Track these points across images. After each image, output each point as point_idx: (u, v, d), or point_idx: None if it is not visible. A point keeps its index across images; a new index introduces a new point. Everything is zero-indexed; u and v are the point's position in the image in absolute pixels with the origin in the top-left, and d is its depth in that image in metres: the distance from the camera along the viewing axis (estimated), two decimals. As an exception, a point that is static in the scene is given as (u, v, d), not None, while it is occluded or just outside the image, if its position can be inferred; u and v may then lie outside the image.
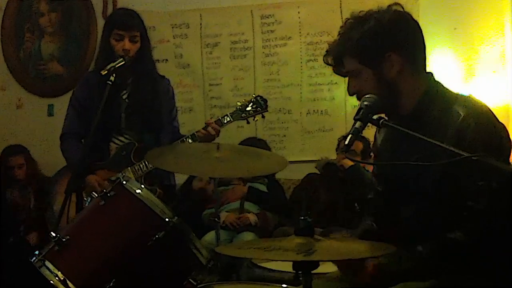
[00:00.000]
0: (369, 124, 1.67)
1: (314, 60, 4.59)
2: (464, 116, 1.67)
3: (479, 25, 4.30)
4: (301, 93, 4.63)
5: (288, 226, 3.78)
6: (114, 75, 2.76)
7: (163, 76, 3.18)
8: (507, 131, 1.73)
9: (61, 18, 5.03)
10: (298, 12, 4.63)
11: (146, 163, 2.94)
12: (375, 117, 1.66)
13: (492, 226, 1.63)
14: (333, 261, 1.82)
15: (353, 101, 4.75)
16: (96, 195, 2.11)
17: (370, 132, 2.18)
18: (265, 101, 3.01)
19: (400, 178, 1.83)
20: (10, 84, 5.08)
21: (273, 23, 4.67)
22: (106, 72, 2.77)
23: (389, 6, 1.82)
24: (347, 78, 1.87)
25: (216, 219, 2.93)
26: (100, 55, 3.07)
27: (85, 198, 2.90)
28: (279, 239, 1.69)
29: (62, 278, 1.92)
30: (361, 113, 1.68)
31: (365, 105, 1.70)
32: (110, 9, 4.80)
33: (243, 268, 3.20)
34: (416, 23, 1.82)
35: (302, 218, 1.62)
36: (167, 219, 1.98)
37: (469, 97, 1.79)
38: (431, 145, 1.55)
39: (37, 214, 4.08)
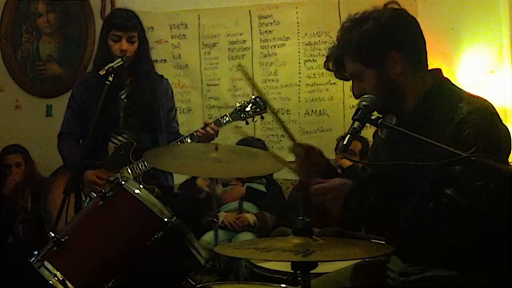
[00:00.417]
0: (367, 124, 1.68)
1: (313, 60, 4.59)
2: (467, 112, 1.67)
3: (477, 25, 4.31)
4: (299, 93, 4.63)
5: (287, 226, 3.78)
6: (112, 75, 2.77)
7: (162, 76, 3.18)
8: (508, 132, 1.73)
9: (59, 19, 5.03)
10: (296, 13, 4.63)
11: (144, 162, 2.94)
12: (373, 117, 1.67)
13: (491, 226, 1.63)
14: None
15: (351, 101, 4.79)
16: (95, 195, 2.11)
17: (368, 132, 2.18)
18: (264, 101, 3.02)
19: (399, 177, 1.83)
20: (8, 85, 5.07)
21: (271, 23, 4.68)
22: (104, 72, 2.77)
23: (385, 5, 1.82)
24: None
25: (214, 219, 2.94)
26: (98, 56, 3.07)
27: (83, 199, 2.90)
28: (278, 239, 1.69)
29: (61, 278, 1.92)
30: (359, 113, 1.68)
31: (364, 105, 1.70)
32: (108, 10, 4.79)
33: (241, 268, 3.20)
34: (414, 19, 1.82)
35: (301, 218, 1.63)
36: (165, 219, 1.99)
37: (475, 95, 1.78)
38: (430, 145, 1.55)
39: (35, 214, 4.07)
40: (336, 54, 1.85)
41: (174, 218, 2.00)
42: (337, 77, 1.92)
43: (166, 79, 3.19)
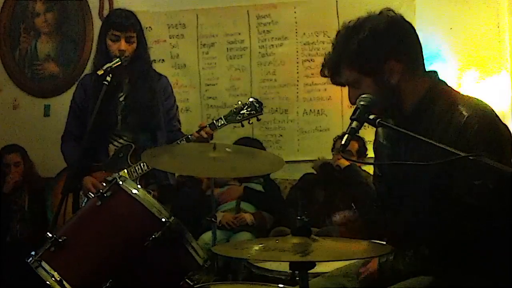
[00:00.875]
0: (365, 124, 1.67)
1: (310, 60, 4.59)
2: (468, 116, 1.67)
3: (476, 25, 4.31)
4: (297, 93, 4.63)
5: (285, 226, 3.78)
6: (110, 75, 2.76)
7: (160, 74, 3.18)
8: (510, 133, 1.73)
9: (57, 18, 5.02)
10: (295, 12, 4.63)
11: (142, 165, 2.95)
12: (371, 116, 1.66)
13: (489, 226, 1.63)
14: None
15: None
16: (93, 195, 2.11)
17: (366, 132, 2.18)
18: (260, 104, 3.01)
19: (399, 177, 1.83)
20: (6, 84, 5.06)
21: (269, 23, 4.67)
22: (102, 72, 2.77)
23: (381, 12, 1.80)
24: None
25: (213, 219, 2.93)
26: (97, 56, 3.07)
27: (81, 199, 2.91)
28: (276, 239, 1.69)
29: (58, 279, 1.91)
30: (357, 112, 1.68)
31: (362, 105, 1.70)
32: (106, 9, 4.79)
33: (240, 268, 3.20)
34: (410, 25, 1.81)
35: (299, 218, 1.62)
36: (163, 219, 1.98)
37: (474, 97, 1.79)
38: (429, 145, 1.55)
39: (32, 214, 4.07)
40: (332, 62, 1.84)
41: (172, 218, 2.00)
42: (333, 83, 1.91)
43: (165, 77, 3.19)
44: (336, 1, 4.52)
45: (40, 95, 5.03)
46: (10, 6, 5.04)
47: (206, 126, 2.95)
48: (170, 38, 4.81)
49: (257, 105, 2.99)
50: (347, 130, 1.66)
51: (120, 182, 2.06)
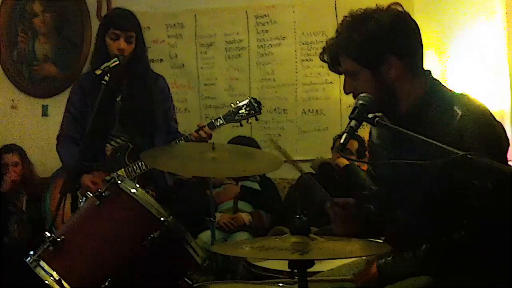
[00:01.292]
0: (364, 123, 1.67)
1: (309, 60, 4.59)
2: (461, 115, 1.67)
3: (474, 24, 4.31)
4: (296, 92, 4.63)
5: (284, 225, 3.78)
6: (108, 75, 2.76)
7: (158, 75, 3.18)
8: (504, 130, 1.74)
9: (55, 19, 5.01)
10: (293, 12, 4.63)
11: (140, 165, 2.95)
12: (370, 115, 1.66)
13: (487, 225, 1.63)
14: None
15: (348, 100, 4.76)
16: (91, 195, 2.11)
17: (365, 131, 2.18)
18: (259, 103, 3.01)
19: (396, 177, 1.83)
20: (4, 85, 5.05)
21: (267, 23, 4.67)
22: (100, 72, 2.76)
23: (389, 6, 1.80)
24: (342, 77, 1.86)
25: (211, 218, 2.93)
26: (95, 55, 3.07)
27: (80, 199, 2.90)
28: (275, 238, 1.69)
29: (57, 278, 1.91)
30: (356, 111, 1.68)
31: (361, 104, 1.70)
32: (104, 10, 4.78)
33: (238, 268, 3.20)
34: (415, 24, 1.81)
35: (298, 217, 1.62)
36: (162, 219, 1.98)
37: (466, 96, 1.79)
38: (427, 144, 1.55)
39: (30, 214, 4.06)
40: (333, 49, 1.84)
41: (171, 217, 2.00)
42: (330, 69, 1.91)
43: (163, 77, 3.19)
44: (335, 1, 4.52)
45: (38, 96, 5.02)
46: (8, 7, 5.03)
47: (204, 126, 2.95)
48: (168, 38, 4.80)
49: (255, 104, 2.99)
50: (346, 129, 1.66)
51: (119, 182, 2.06)
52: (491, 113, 1.73)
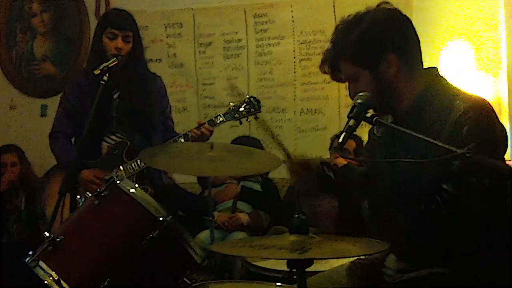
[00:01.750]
0: (362, 122, 1.67)
1: (308, 59, 4.59)
2: (464, 109, 1.67)
3: (473, 22, 4.32)
4: (294, 92, 4.63)
5: (283, 225, 3.78)
6: (107, 75, 2.76)
7: (155, 74, 3.18)
8: (505, 133, 1.74)
9: (54, 19, 5.01)
10: (291, 11, 4.63)
11: (138, 162, 2.95)
12: (368, 114, 1.67)
13: (486, 223, 1.63)
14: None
15: (347, 100, 4.77)
16: (90, 194, 2.11)
17: (363, 131, 2.18)
18: (258, 102, 3.02)
19: (395, 176, 1.83)
20: (3, 85, 5.05)
21: (266, 22, 4.67)
22: (99, 72, 2.76)
23: (378, 5, 1.82)
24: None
25: (210, 218, 2.93)
26: (92, 54, 3.07)
27: (78, 198, 2.90)
28: (274, 237, 1.69)
29: (56, 278, 1.91)
30: (354, 111, 1.68)
31: (359, 103, 1.70)
32: (103, 9, 4.78)
33: (237, 267, 3.20)
34: (407, 19, 1.82)
35: (296, 216, 1.62)
36: (161, 218, 1.98)
37: (471, 93, 1.79)
38: (426, 143, 1.55)
39: (28, 214, 4.06)
40: (331, 57, 1.85)
41: (170, 217, 2.00)
42: (333, 79, 1.92)
43: (160, 77, 3.19)
44: (333, 0, 4.52)
45: (36, 95, 5.02)
46: (6, 6, 5.03)
47: (205, 123, 2.95)
48: (167, 37, 4.80)
49: (255, 102, 3.00)
50: (344, 128, 1.66)
51: (118, 181, 2.06)
52: (492, 110, 1.72)
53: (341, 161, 3.85)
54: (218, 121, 2.99)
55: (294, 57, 4.63)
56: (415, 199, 1.69)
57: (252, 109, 3.01)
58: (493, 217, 1.63)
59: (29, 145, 4.62)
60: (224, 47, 4.74)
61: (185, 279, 2.07)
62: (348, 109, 1.71)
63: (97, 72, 2.77)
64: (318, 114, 4.60)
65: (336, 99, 4.54)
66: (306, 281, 1.59)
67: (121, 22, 2.96)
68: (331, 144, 4.09)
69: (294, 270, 1.59)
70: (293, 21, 4.63)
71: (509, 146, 1.82)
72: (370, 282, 1.82)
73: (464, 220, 1.63)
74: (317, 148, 4.42)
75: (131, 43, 2.98)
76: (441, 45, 4.31)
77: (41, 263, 1.96)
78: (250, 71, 4.69)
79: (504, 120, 4.06)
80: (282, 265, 2.16)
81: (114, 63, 2.82)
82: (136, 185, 2.11)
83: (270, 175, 4.23)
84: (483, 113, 1.69)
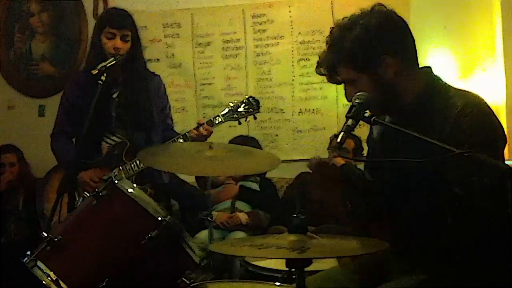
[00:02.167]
0: (361, 122, 1.68)
1: (306, 59, 4.60)
2: (461, 107, 1.68)
3: (469, 23, 4.32)
4: (293, 92, 4.63)
5: (282, 225, 3.78)
6: (105, 74, 2.76)
7: (154, 73, 3.18)
8: (502, 126, 1.74)
9: (52, 18, 5.01)
10: (290, 11, 4.63)
11: (138, 162, 2.95)
12: (366, 114, 1.67)
13: (485, 222, 1.63)
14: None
15: (345, 100, 4.78)
16: (88, 194, 2.11)
17: (362, 131, 2.18)
18: (257, 102, 3.02)
19: (394, 174, 1.83)
20: (1, 84, 5.05)
21: (264, 22, 4.68)
22: (97, 71, 2.76)
23: (373, 7, 1.81)
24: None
25: (209, 218, 2.93)
26: (91, 54, 3.07)
27: (77, 198, 2.90)
28: (273, 236, 1.69)
29: (54, 278, 1.90)
30: (353, 110, 1.68)
31: (357, 102, 1.70)
32: (101, 9, 4.78)
33: (236, 267, 3.20)
34: (402, 20, 1.82)
35: (295, 215, 1.62)
36: (160, 218, 1.98)
37: (467, 91, 1.80)
38: (425, 142, 1.56)
39: (27, 214, 4.06)
40: (328, 61, 1.85)
41: (169, 216, 2.00)
42: (329, 81, 1.92)
43: (159, 76, 3.20)
44: (332, 0, 4.52)
45: (35, 95, 5.01)
46: (5, 6, 5.03)
47: (204, 123, 2.95)
48: (165, 37, 4.80)
49: (254, 103, 3.01)
50: (342, 128, 1.66)
51: (116, 181, 2.05)
52: (490, 108, 1.73)
53: (340, 161, 3.87)
54: (217, 122, 2.99)
55: (293, 57, 4.63)
56: (415, 199, 1.69)
57: (251, 109, 3.01)
58: (493, 216, 1.63)
59: (27, 145, 4.62)
60: (222, 47, 4.74)
61: (184, 279, 2.07)
62: (346, 109, 1.71)
63: (95, 72, 2.77)
64: (316, 114, 4.60)
65: (334, 99, 4.54)
66: (305, 281, 1.59)
67: (119, 21, 2.96)
68: (330, 144, 4.09)
69: (293, 269, 1.59)
70: (291, 21, 4.63)
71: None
72: (375, 282, 1.81)
73: (465, 219, 1.63)
74: (315, 148, 4.42)
75: (130, 42, 2.98)
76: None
77: (39, 263, 1.95)
78: (249, 71, 4.69)
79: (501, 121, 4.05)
80: (281, 265, 2.16)
81: (112, 63, 2.81)
82: (135, 185, 2.11)
83: (268, 175, 4.23)
84: (481, 108, 1.71)
